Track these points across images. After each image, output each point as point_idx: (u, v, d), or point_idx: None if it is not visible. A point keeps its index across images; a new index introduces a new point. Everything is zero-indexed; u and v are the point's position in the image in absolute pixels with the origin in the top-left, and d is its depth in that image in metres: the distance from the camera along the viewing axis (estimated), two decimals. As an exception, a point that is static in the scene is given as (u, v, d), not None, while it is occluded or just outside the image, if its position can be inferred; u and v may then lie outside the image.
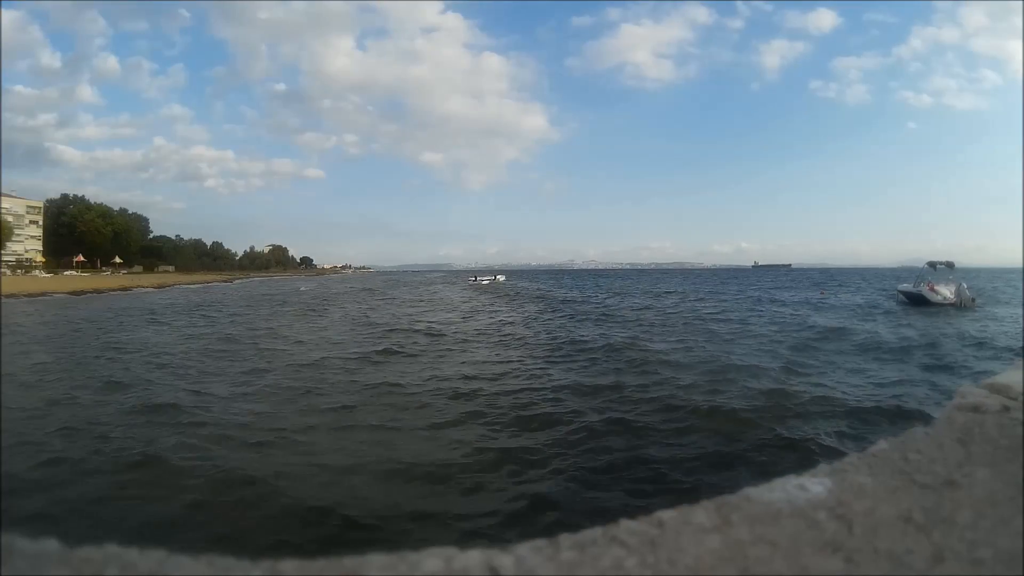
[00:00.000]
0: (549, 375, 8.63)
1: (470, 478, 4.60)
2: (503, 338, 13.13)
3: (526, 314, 21.21)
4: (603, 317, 18.03)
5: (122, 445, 5.49)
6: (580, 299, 31.38)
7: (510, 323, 18.12)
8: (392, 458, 5.09)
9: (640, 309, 23.09)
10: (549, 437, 5.50)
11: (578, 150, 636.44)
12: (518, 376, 8.65)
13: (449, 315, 21.55)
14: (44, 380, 8.86)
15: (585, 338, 13.21)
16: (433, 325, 16.98)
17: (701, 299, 30.62)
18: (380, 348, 11.73)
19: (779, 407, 6.35)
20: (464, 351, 11.82)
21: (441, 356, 11.23)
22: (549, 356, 10.42)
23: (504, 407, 6.72)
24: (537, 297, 31.93)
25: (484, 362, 10.23)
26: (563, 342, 11.67)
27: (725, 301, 28.54)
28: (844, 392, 7.51)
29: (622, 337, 13.34)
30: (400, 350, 11.69)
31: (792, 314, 20.48)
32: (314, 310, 24.74)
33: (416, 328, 16.11)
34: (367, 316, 20.77)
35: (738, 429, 5.58)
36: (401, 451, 5.33)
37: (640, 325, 16.09)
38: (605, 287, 49.59)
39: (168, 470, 4.84)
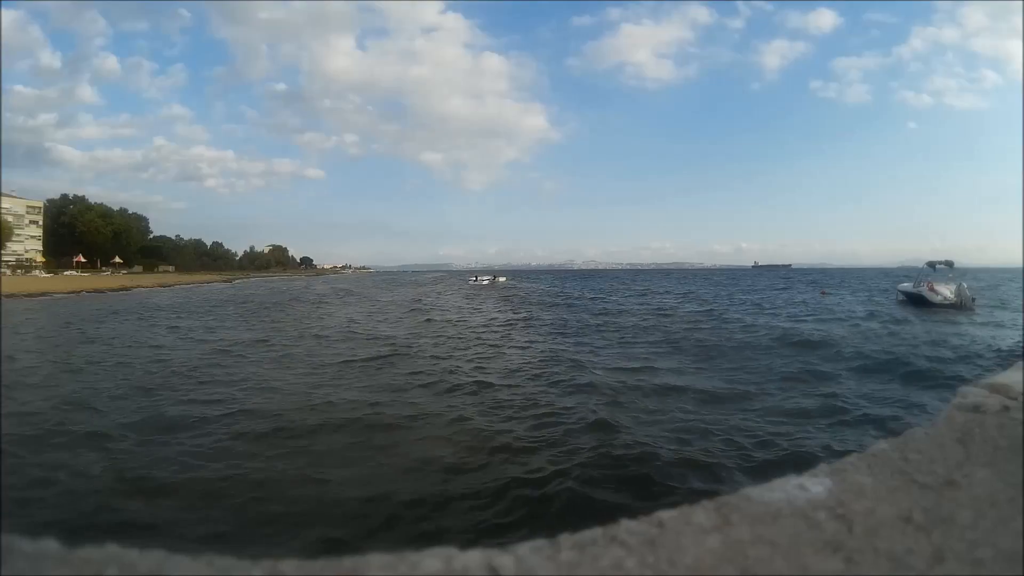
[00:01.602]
0: (543, 397, 7.55)
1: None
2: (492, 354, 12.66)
3: (529, 324, 21.05)
4: (602, 326, 17.89)
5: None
6: (580, 303, 31.35)
7: (507, 325, 18.07)
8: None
9: (638, 314, 23.07)
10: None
11: (578, 150, 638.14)
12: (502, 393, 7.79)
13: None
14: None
15: (584, 351, 13.16)
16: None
17: (697, 300, 30.58)
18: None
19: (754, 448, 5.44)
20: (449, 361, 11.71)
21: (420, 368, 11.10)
22: (543, 374, 9.25)
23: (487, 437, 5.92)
24: (540, 302, 31.83)
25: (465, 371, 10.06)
26: (560, 359, 10.62)
27: (728, 303, 28.50)
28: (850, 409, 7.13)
29: (617, 349, 13.32)
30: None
31: (791, 315, 20.47)
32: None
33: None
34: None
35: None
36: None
37: (625, 333, 15.94)
38: (606, 288, 49.47)
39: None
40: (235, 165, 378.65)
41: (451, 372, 9.28)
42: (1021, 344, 12.81)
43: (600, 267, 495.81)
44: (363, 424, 6.21)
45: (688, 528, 0.60)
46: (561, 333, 15.05)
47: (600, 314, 21.13)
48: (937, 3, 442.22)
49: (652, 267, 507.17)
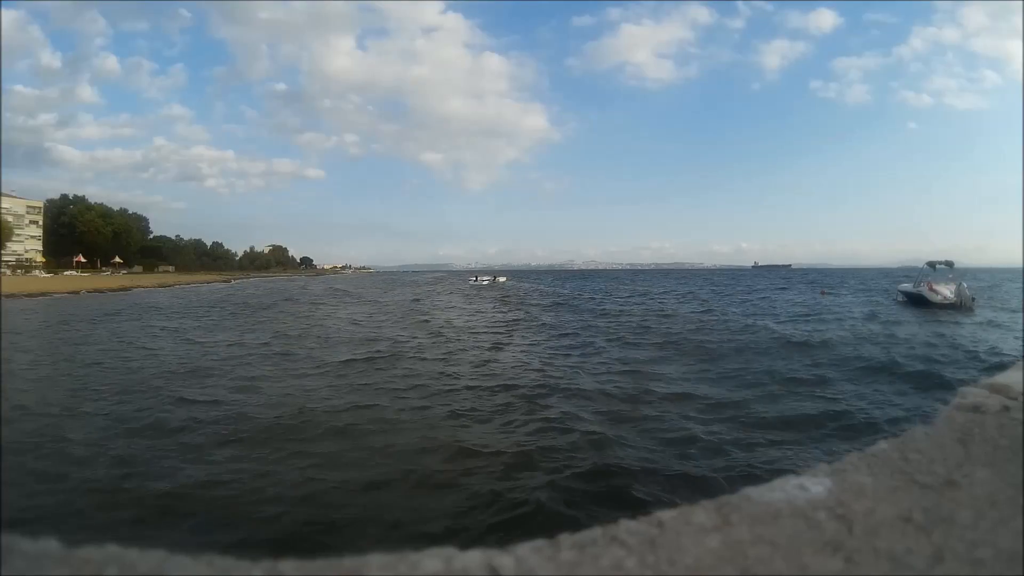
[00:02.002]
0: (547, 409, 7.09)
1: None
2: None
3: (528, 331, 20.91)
4: (602, 328, 17.79)
5: None
6: (580, 304, 31.34)
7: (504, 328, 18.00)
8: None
9: (639, 315, 23.04)
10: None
11: (578, 150, 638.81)
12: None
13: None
14: None
15: (583, 354, 13.10)
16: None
17: (697, 301, 30.55)
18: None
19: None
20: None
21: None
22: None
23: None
24: (540, 303, 31.76)
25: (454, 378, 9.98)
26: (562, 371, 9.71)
27: (728, 304, 28.49)
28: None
29: (614, 355, 13.29)
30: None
31: (791, 316, 20.44)
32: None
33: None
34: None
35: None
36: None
37: (626, 334, 15.81)
38: (606, 288, 49.41)
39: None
40: (235, 165, 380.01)
41: (448, 375, 9.25)
42: (1021, 344, 12.80)
43: (600, 267, 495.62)
44: (359, 427, 6.21)
45: (688, 528, 0.60)
46: (561, 335, 15.04)
47: (600, 315, 21.11)
48: (937, 3, 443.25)
49: (652, 267, 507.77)
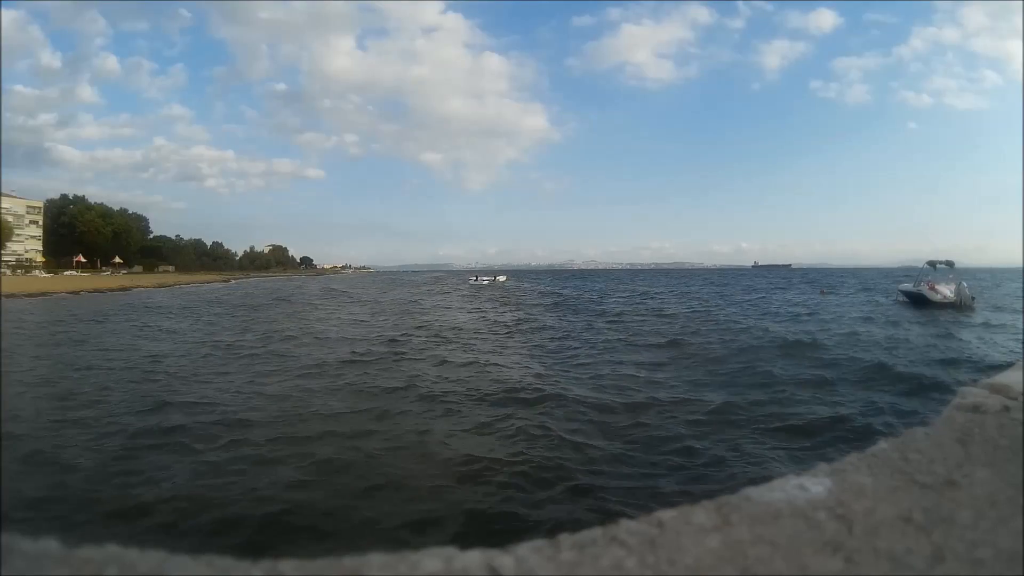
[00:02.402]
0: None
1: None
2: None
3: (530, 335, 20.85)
4: (601, 329, 17.79)
5: None
6: (580, 304, 31.35)
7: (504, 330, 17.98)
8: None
9: (638, 317, 23.03)
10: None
11: (578, 150, 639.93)
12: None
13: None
14: None
15: (582, 357, 13.06)
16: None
17: (696, 301, 30.57)
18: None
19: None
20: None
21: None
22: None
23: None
24: (539, 303, 31.75)
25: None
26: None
27: (728, 304, 28.49)
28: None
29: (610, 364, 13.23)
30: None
31: (791, 316, 20.44)
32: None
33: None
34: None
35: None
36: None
37: (625, 335, 15.87)
38: (606, 288, 49.39)
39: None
40: (235, 165, 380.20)
41: (446, 378, 9.19)
42: (1021, 344, 12.81)
43: (600, 267, 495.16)
44: (356, 429, 6.19)
45: (688, 528, 0.60)
46: (561, 336, 15.02)
47: (599, 316, 21.11)
48: (937, 3, 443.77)
49: (652, 267, 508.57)
